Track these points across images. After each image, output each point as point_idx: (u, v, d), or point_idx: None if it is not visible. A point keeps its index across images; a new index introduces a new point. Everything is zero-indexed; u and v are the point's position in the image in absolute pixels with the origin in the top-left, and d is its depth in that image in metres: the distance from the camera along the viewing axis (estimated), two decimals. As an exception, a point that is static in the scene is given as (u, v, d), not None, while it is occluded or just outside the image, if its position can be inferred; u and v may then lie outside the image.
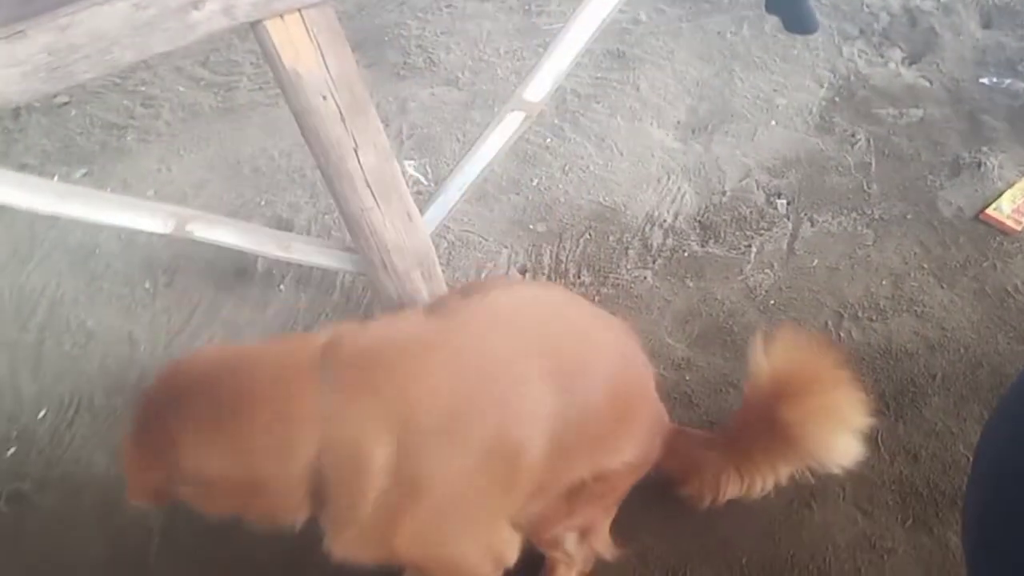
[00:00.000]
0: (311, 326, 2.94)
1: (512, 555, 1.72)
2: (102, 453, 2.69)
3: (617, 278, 2.88)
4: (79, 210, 2.13)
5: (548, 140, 3.41)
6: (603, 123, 3.45)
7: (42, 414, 2.85)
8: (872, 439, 2.35)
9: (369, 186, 2.12)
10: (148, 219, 2.20)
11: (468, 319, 1.66)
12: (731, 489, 1.97)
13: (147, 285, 3.22)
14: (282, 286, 3.09)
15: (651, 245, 2.95)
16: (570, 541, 2.00)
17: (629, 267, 2.91)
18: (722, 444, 1.99)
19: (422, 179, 3.36)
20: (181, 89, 4.11)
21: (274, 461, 1.42)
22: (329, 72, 1.91)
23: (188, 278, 3.21)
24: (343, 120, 2.00)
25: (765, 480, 1.94)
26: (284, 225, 3.33)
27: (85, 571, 2.40)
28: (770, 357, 1.84)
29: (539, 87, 2.22)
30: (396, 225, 2.22)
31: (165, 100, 4.06)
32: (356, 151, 2.06)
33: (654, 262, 2.91)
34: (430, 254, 2.36)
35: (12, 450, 2.77)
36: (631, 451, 1.79)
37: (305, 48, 1.86)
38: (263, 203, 3.45)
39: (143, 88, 4.13)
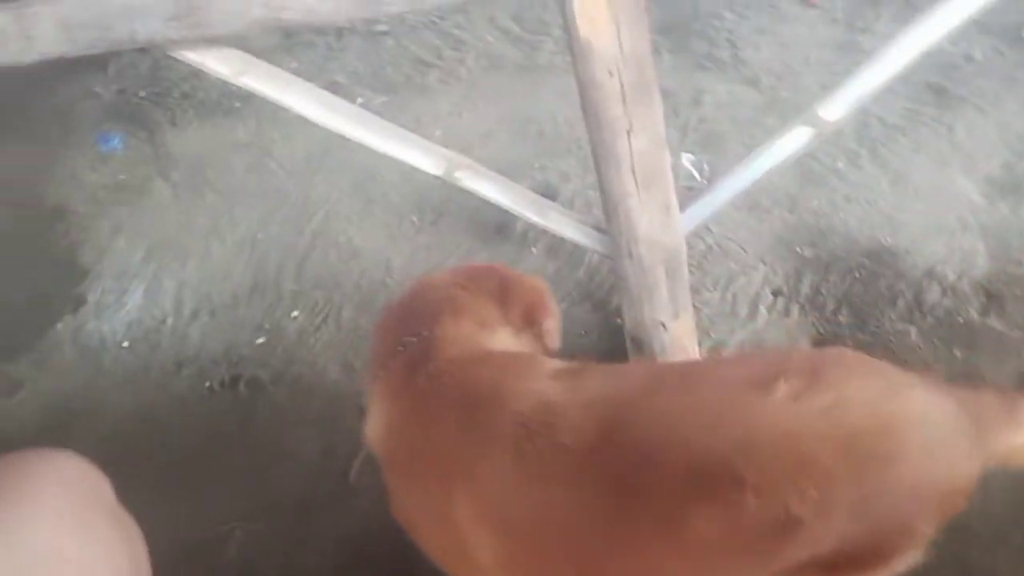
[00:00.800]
0: (553, 294, 2.95)
1: None
2: (336, 364, 2.85)
3: (878, 327, 2.66)
4: (364, 135, 2.22)
5: (839, 164, 3.20)
6: (904, 159, 3.18)
7: (295, 314, 3.07)
8: None
9: (634, 172, 2.07)
10: (423, 158, 2.26)
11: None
12: None
13: (414, 219, 3.37)
14: (534, 249, 3.12)
15: (924, 300, 2.69)
16: None
17: (894, 318, 2.68)
18: None
19: (696, 175, 3.27)
20: (490, 39, 4.23)
21: None
22: (622, 49, 1.87)
23: (452, 222, 3.31)
24: (624, 100, 1.95)
25: None
26: (550, 191, 3.35)
27: (295, 465, 2.56)
28: None
29: (837, 106, 2.06)
30: (652, 216, 2.16)
31: (472, 47, 4.20)
32: (629, 133, 2.01)
33: (923, 319, 2.65)
34: (680, 253, 2.27)
35: (262, 340, 3.00)
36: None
37: (602, 20, 1.82)
38: (537, 166, 3.49)
39: (455, 31, 4.29)
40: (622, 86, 1.93)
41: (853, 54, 3.66)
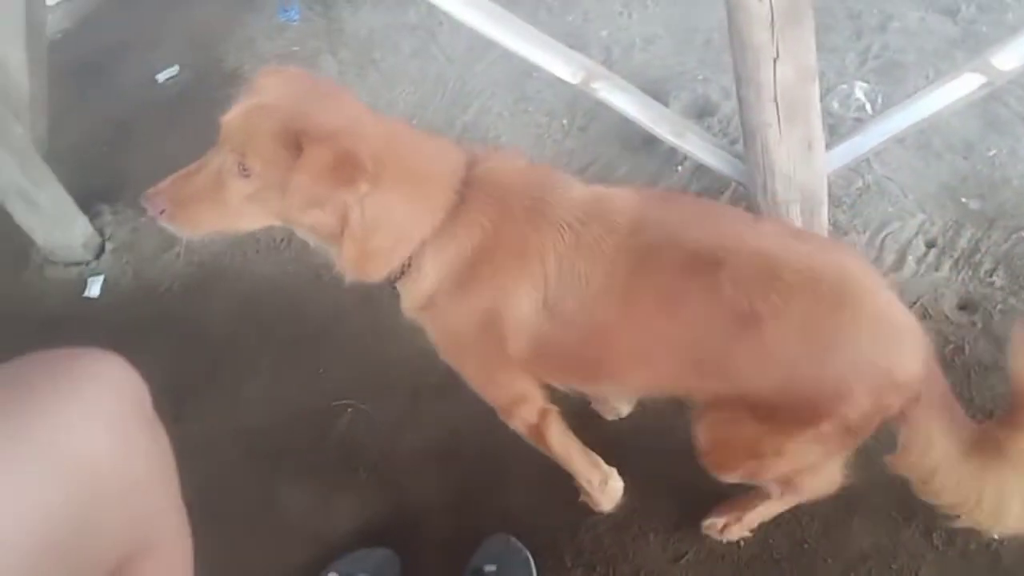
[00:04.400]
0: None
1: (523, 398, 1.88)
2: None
3: (1034, 293, 2.45)
4: (505, 37, 2.21)
5: (1030, 110, 2.90)
6: (1108, 111, 2.85)
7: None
8: None
9: (776, 101, 1.95)
10: (561, 65, 2.22)
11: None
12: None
13: (564, 122, 3.32)
14: (680, 168, 3.02)
15: (1095, 272, 2.45)
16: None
17: (1055, 287, 2.46)
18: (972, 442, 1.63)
19: (868, 107, 3.04)
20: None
21: None
22: (774, -30, 1.74)
23: (602, 128, 3.24)
24: (772, 26, 1.83)
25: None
26: (710, 107, 3.22)
27: (410, 351, 2.53)
28: None
29: (1013, 55, 1.86)
30: (792, 151, 2.04)
31: (657, -55, 4.00)
32: (775, 61, 1.89)
33: (1090, 292, 2.42)
34: (818, 193, 2.15)
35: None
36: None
37: (756, -61, 1.70)
38: (700, 77, 3.34)
39: (643, -73, 4.09)
40: (772, 11, 1.80)
41: (1077, -11, 3.28)
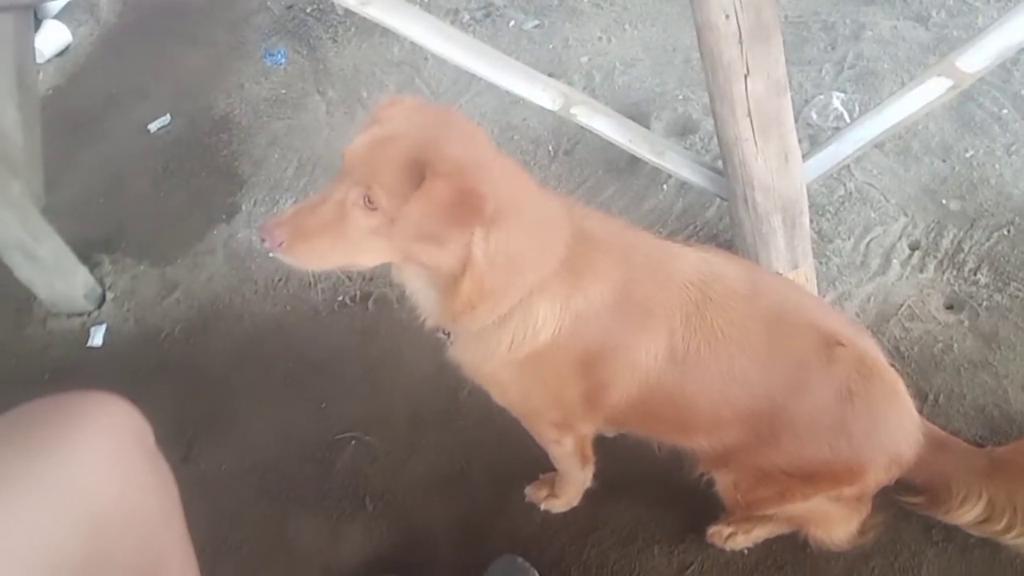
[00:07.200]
0: (677, 232, 2.91)
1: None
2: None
3: (1019, 290, 2.49)
4: (483, 68, 2.25)
5: (1004, 111, 2.96)
6: (1080, 108, 2.91)
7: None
8: None
9: (750, 116, 2.01)
10: (540, 93, 2.27)
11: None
12: (970, 517, 1.88)
13: (550, 147, 3.37)
14: (665, 186, 3.07)
15: (1077, 266, 2.50)
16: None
17: (1039, 282, 2.51)
18: (984, 467, 1.88)
19: (846, 116, 3.10)
20: (649, -37, 4.10)
21: None
22: (739, -10, 1.80)
23: (587, 151, 3.30)
24: (741, 43, 1.89)
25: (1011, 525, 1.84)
26: (692, 124, 3.27)
27: (410, 380, 2.69)
28: None
29: (977, 57, 1.91)
30: (768, 163, 2.09)
31: (631, -30, 4.09)
32: (746, 77, 1.94)
33: (1072, 287, 2.47)
34: (799, 202, 2.20)
35: (394, 258, 3.10)
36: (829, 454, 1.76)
37: (720, -39, 1.76)
38: (680, 97, 3.41)
39: (617, -47, 4.18)
40: (739, 29, 1.86)
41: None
